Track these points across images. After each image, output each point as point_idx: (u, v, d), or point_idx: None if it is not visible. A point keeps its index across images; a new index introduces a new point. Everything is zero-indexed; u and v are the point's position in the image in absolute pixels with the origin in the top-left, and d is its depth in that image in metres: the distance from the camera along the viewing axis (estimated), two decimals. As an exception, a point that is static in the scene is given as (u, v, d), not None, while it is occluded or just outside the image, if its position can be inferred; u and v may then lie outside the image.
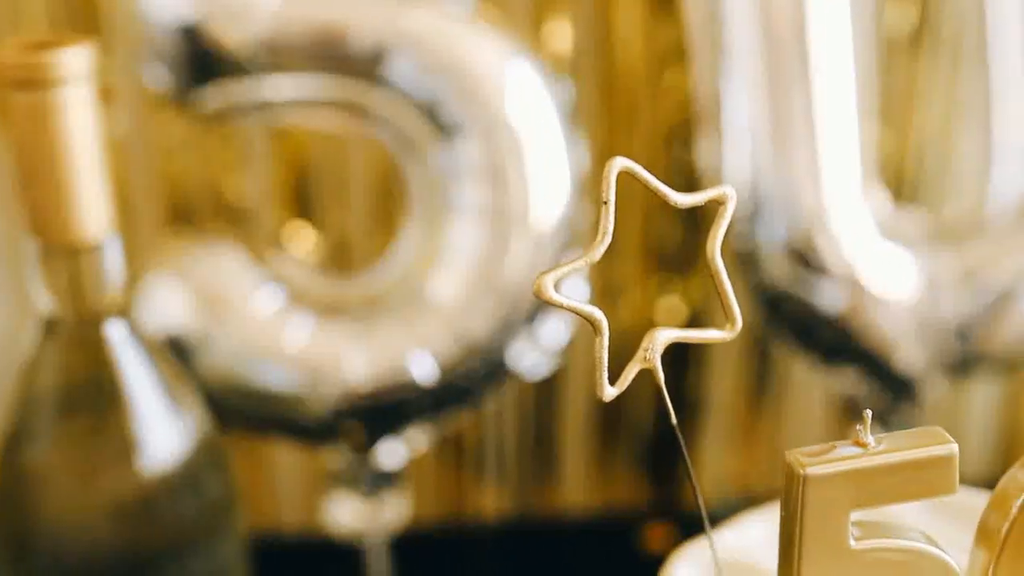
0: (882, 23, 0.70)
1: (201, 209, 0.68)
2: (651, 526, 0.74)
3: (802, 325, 0.63)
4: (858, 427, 0.30)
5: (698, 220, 0.72)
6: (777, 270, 0.61)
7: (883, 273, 0.61)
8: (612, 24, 0.68)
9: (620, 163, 0.29)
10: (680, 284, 0.74)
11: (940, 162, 0.71)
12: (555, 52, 0.68)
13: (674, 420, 0.31)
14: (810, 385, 0.76)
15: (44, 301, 0.44)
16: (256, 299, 0.57)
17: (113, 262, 0.44)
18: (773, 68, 0.59)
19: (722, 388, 0.77)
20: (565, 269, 0.29)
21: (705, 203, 0.31)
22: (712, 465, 0.78)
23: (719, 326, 0.31)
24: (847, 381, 0.64)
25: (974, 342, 0.63)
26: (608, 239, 0.30)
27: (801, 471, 0.29)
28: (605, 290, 0.73)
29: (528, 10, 0.67)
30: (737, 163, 0.60)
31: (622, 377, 0.30)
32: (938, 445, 0.30)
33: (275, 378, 0.57)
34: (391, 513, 0.61)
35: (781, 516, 0.30)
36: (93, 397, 0.46)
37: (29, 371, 0.46)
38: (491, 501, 0.78)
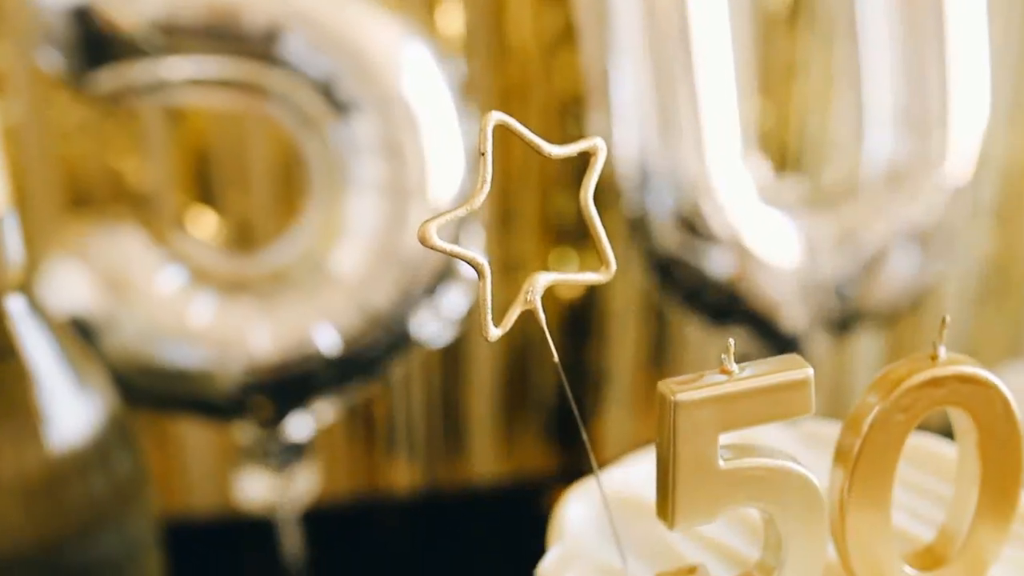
0: (761, 1, 0.73)
1: (100, 194, 0.69)
2: (557, 490, 0.76)
3: (692, 289, 0.66)
4: (723, 356, 0.32)
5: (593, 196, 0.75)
6: (667, 237, 0.64)
7: (766, 238, 0.64)
8: (503, 5, 0.70)
9: (496, 116, 0.31)
10: (577, 257, 0.76)
11: (818, 132, 0.75)
12: (448, 33, 0.70)
13: (556, 358, 0.34)
14: (706, 348, 0.79)
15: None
16: (158, 279, 0.57)
17: (11, 239, 0.45)
18: (656, 46, 0.61)
19: (622, 357, 0.79)
20: (447, 216, 0.31)
21: (577, 154, 0.33)
22: (616, 432, 0.81)
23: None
24: (738, 341, 0.67)
25: (852, 300, 0.67)
26: (487, 187, 0.31)
27: (672, 397, 0.32)
28: (505, 264, 0.75)
29: (421, -8, 0.69)
30: (625, 136, 0.63)
31: (505, 318, 0.32)
32: (795, 370, 0.32)
33: (182, 356, 0.58)
34: (302, 486, 0.62)
35: (657, 442, 0.33)
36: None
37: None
38: (402, 475, 0.79)
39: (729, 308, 0.66)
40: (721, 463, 0.32)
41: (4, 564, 0.49)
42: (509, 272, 0.75)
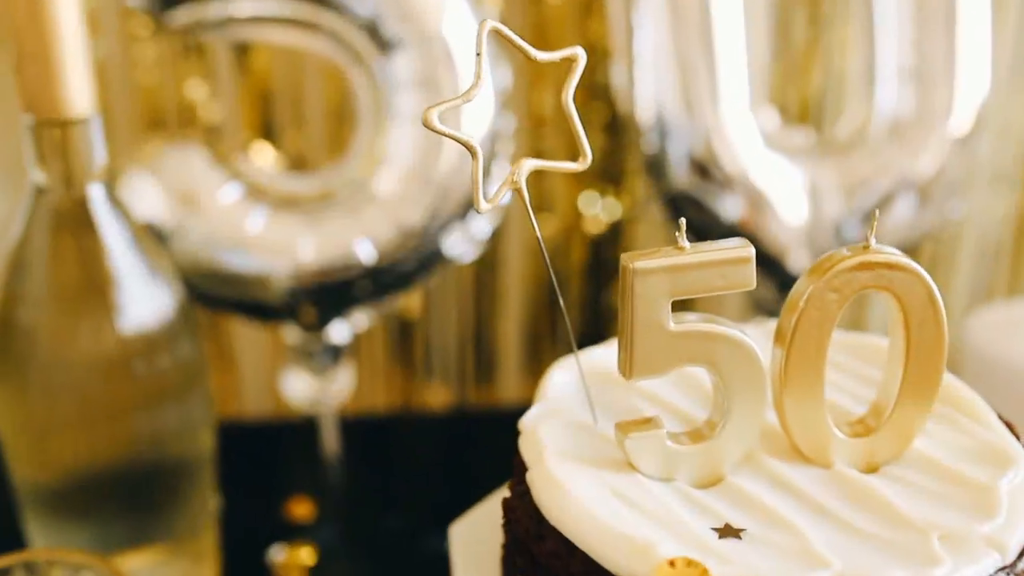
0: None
1: (173, 120, 0.75)
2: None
3: (702, 229, 0.70)
4: (676, 233, 0.37)
5: (620, 139, 0.80)
6: (680, 178, 0.69)
7: (774, 183, 0.68)
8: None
9: (490, 24, 0.37)
10: (600, 197, 0.81)
11: (833, 87, 0.79)
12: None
13: (538, 231, 0.39)
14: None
15: (37, 173, 0.51)
16: (219, 194, 0.64)
17: (96, 138, 0.51)
18: (675, 4, 0.66)
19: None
20: (447, 104, 0.37)
21: (560, 60, 0.38)
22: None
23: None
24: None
25: (854, 242, 0.71)
26: (482, 84, 0.37)
27: (631, 266, 0.37)
28: (538, 205, 0.80)
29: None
30: (645, 84, 0.68)
31: (495, 195, 0.38)
32: (738, 248, 0.37)
33: (238, 262, 0.64)
34: (339, 386, 0.68)
35: (619, 308, 0.38)
36: (79, 257, 0.53)
37: (23, 238, 0.53)
38: (436, 396, 0.85)
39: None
40: (671, 325, 0.37)
41: (82, 429, 0.56)
42: (542, 212, 0.81)
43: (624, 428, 0.39)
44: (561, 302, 0.41)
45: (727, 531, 0.36)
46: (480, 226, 0.66)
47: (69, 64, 0.48)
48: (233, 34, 0.66)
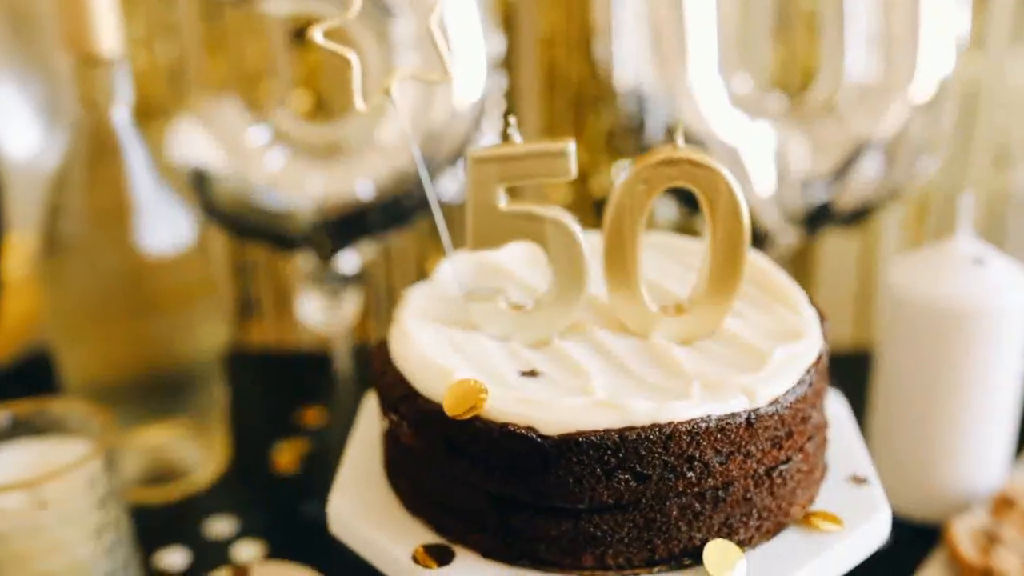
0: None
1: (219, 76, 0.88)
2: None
3: (685, 195, 0.76)
4: (508, 129, 0.45)
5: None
6: (659, 143, 0.75)
7: (744, 144, 0.73)
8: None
9: (365, -42, 0.45)
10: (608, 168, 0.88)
11: (805, 56, 0.83)
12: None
13: (418, 154, 0.47)
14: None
15: (75, 106, 0.63)
16: (247, 137, 0.75)
17: (121, 76, 0.63)
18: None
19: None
20: (329, 22, 0.45)
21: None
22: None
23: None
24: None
25: (822, 203, 0.75)
26: (358, 7, 0.45)
27: (469, 156, 0.44)
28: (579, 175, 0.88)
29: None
30: (623, 54, 0.74)
31: (372, 97, 0.46)
32: (558, 143, 0.44)
33: (262, 198, 0.75)
34: (348, 309, 0.78)
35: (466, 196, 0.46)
36: (107, 180, 0.65)
37: (66, 162, 0.65)
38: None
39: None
40: (502, 205, 0.45)
41: (112, 326, 0.67)
42: (580, 177, 0.88)
43: (471, 296, 0.46)
44: (435, 204, 0.48)
45: (529, 373, 0.43)
46: (466, 171, 0.74)
47: (101, 12, 0.60)
48: (277, 7, 0.77)
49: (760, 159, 0.74)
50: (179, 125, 0.76)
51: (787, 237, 0.76)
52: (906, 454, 0.64)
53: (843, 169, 0.75)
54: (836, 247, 0.89)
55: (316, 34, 0.45)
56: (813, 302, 0.48)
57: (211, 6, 0.85)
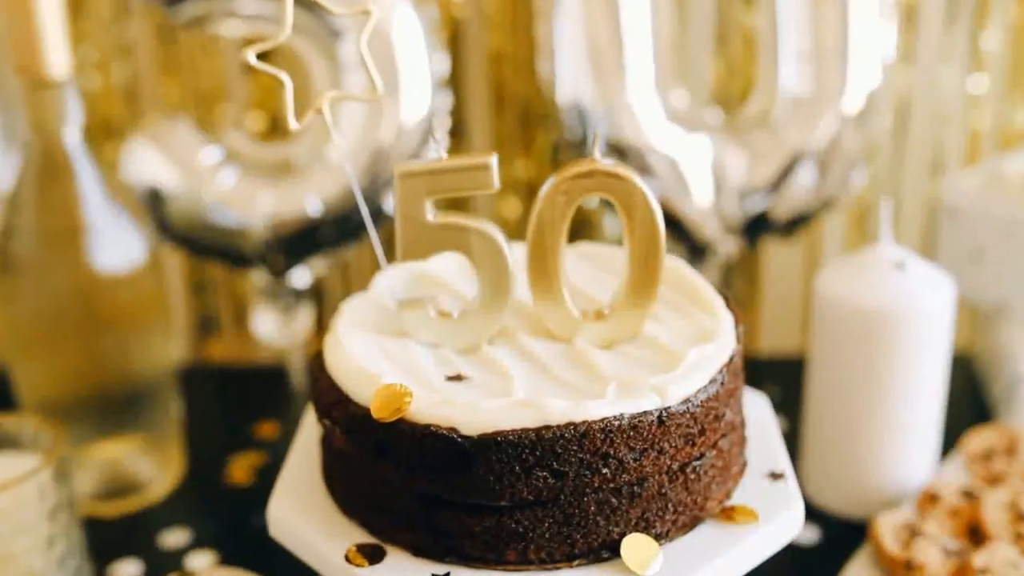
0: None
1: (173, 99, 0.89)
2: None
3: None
4: (431, 146, 0.46)
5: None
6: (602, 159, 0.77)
7: (684, 158, 0.76)
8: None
9: (295, -16, 0.47)
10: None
11: (742, 71, 0.86)
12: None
13: (350, 168, 0.49)
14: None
15: (26, 128, 0.65)
16: (200, 156, 0.76)
17: (71, 98, 0.64)
18: (589, 6, 0.74)
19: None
20: (261, 44, 0.47)
21: (355, 13, 0.48)
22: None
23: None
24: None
25: (759, 213, 0.77)
26: (287, 32, 0.47)
27: (397, 171, 0.46)
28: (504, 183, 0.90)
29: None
30: (564, 72, 0.76)
31: (304, 116, 0.48)
32: (480, 157, 0.46)
33: (215, 217, 0.76)
34: (301, 324, 0.80)
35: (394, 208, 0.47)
36: (59, 200, 0.66)
37: (18, 182, 0.66)
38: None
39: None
40: (429, 218, 0.47)
41: (60, 347, 0.69)
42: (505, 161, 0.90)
43: (403, 304, 0.48)
44: (368, 220, 0.50)
45: (455, 378, 0.45)
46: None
47: (49, 35, 0.61)
48: (231, 29, 0.78)
49: (699, 171, 0.76)
50: (133, 145, 0.78)
51: (727, 246, 0.79)
52: (836, 453, 0.66)
53: (779, 180, 0.77)
54: (781, 255, 0.92)
55: (250, 55, 0.47)
56: (729, 306, 0.50)
57: (166, 29, 0.86)
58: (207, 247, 0.79)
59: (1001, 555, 0.57)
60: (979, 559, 0.56)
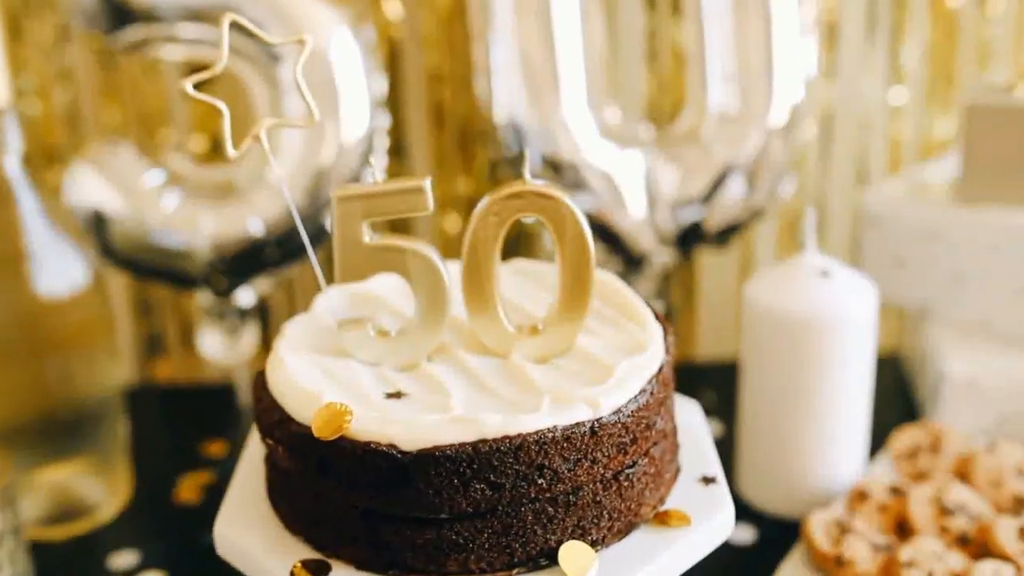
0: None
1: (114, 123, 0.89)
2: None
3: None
4: (368, 170, 0.48)
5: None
6: (538, 175, 0.79)
7: (618, 173, 0.77)
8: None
9: (230, 16, 0.48)
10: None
11: (673, 89, 0.88)
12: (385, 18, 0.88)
13: (288, 194, 0.49)
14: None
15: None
16: (143, 180, 0.76)
17: (12, 125, 0.64)
18: (523, 27, 0.76)
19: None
20: (199, 75, 0.48)
21: (290, 42, 0.49)
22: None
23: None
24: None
25: (691, 225, 0.79)
26: (224, 62, 0.48)
27: (333, 195, 0.47)
28: (441, 201, 0.91)
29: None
30: (500, 91, 0.78)
31: (240, 145, 0.49)
32: (414, 181, 0.47)
33: (159, 239, 0.76)
34: (247, 342, 0.80)
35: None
36: (1, 224, 0.66)
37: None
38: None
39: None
40: (366, 239, 0.48)
41: (5, 373, 0.68)
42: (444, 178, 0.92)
43: (342, 324, 0.49)
44: (307, 243, 0.51)
45: (394, 395, 0.46)
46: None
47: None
48: (171, 53, 0.79)
49: (633, 185, 0.78)
50: (75, 170, 0.78)
51: (662, 257, 0.81)
52: (769, 456, 0.68)
53: (710, 192, 0.79)
54: (715, 264, 0.94)
55: (187, 86, 0.48)
56: (659, 317, 0.51)
57: (106, 54, 0.86)
58: (151, 269, 0.79)
59: (926, 548, 0.59)
60: (905, 553, 0.58)
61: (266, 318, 0.94)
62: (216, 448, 0.80)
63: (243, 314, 0.80)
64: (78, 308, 0.69)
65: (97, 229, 0.77)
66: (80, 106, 0.89)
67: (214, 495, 0.74)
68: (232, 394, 0.85)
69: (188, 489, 0.75)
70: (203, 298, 0.80)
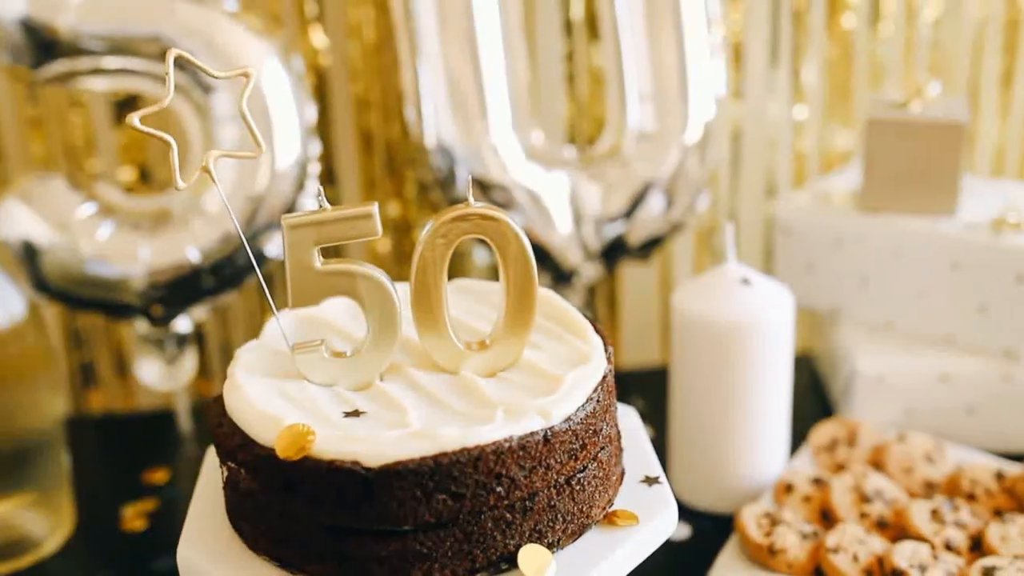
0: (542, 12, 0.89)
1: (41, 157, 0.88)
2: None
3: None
4: (318, 195, 0.48)
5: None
6: (464, 195, 0.80)
7: (543, 192, 0.79)
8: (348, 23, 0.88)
9: (175, 52, 0.48)
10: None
11: (594, 111, 0.91)
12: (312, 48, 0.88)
13: (236, 222, 0.50)
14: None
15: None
16: (75, 212, 0.75)
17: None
18: (449, 53, 0.78)
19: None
20: (146, 110, 0.48)
21: (235, 76, 0.49)
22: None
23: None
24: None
25: (615, 239, 0.82)
26: (171, 95, 0.48)
27: (284, 222, 0.48)
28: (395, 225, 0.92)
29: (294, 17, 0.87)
30: (429, 116, 0.79)
31: (191, 176, 0.49)
32: (363, 207, 0.48)
33: (93, 270, 0.75)
34: (185, 369, 0.79)
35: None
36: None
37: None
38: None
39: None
40: (318, 265, 0.48)
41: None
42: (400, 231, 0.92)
43: (296, 348, 0.50)
44: (257, 269, 0.51)
45: (352, 414, 0.47)
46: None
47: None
48: (96, 84, 0.78)
49: (559, 204, 0.80)
50: (5, 204, 0.76)
51: (589, 271, 0.83)
52: (701, 455, 0.70)
53: (631, 208, 0.82)
54: (637, 277, 0.97)
55: (134, 121, 0.48)
56: (598, 330, 0.53)
57: (31, 85, 0.85)
58: (86, 300, 0.78)
59: (850, 534, 0.62)
60: (831, 539, 0.61)
61: (201, 343, 0.93)
62: (158, 475, 0.79)
63: (181, 341, 0.79)
64: (16, 341, 0.68)
65: (30, 261, 0.76)
66: (4, 139, 0.87)
67: (160, 522, 0.74)
68: (169, 420, 0.84)
69: (133, 517, 0.74)
70: (140, 327, 0.79)
